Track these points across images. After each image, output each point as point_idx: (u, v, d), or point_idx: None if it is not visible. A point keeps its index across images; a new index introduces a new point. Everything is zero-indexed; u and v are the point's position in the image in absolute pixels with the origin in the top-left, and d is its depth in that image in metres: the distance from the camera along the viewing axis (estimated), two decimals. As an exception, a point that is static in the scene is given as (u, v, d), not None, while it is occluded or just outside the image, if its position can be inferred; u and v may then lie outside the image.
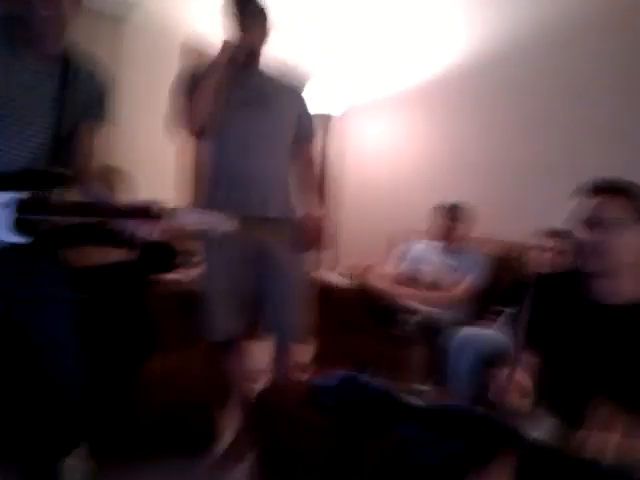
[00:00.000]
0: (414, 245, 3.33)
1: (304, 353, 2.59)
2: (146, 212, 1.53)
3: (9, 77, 1.54)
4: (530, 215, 3.42)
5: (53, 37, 1.58)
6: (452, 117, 3.82)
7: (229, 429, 2.38)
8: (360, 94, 4.03)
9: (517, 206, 3.52)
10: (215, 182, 2.18)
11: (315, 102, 3.72)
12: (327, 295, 3.07)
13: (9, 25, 1.55)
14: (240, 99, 2.16)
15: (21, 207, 1.52)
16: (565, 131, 3.44)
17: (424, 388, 1.91)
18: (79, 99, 1.66)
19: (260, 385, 2.18)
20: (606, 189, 1.43)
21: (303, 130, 2.33)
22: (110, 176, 2.63)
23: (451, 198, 3.23)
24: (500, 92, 3.63)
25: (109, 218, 1.59)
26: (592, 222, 1.41)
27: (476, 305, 3.02)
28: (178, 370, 2.35)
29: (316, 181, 2.45)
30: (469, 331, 2.43)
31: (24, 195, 1.53)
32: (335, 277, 3.19)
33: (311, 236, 2.26)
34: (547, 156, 3.48)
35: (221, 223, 1.57)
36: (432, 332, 2.65)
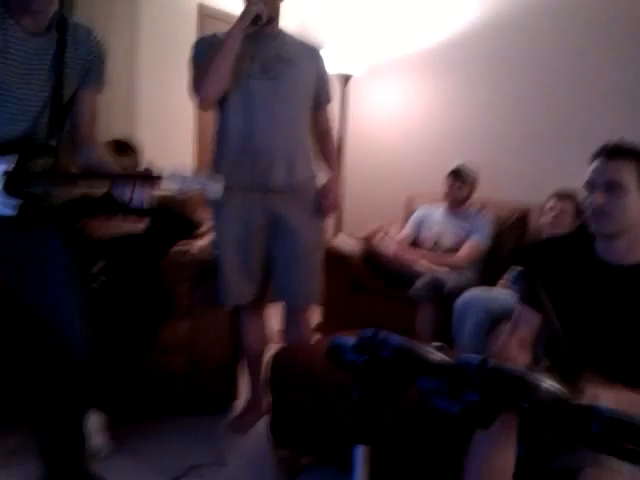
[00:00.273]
0: (421, 209, 3.37)
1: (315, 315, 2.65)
2: (139, 177, 1.56)
3: (9, 45, 1.55)
4: (538, 177, 3.49)
5: (44, 4, 1.58)
6: (462, 80, 3.84)
7: (248, 390, 2.47)
8: (374, 56, 4.02)
9: (525, 168, 3.58)
10: (239, 151, 2.17)
11: (335, 62, 3.73)
12: (338, 258, 3.14)
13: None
14: (260, 65, 2.15)
15: (8, 179, 1.54)
16: (575, 94, 3.46)
17: (439, 344, 1.97)
18: (77, 65, 1.68)
19: (274, 348, 2.25)
20: (615, 153, 1.46)
21: (322, 93, 2.34)
22: (134, 149, 2.69)
23: (460, 160, 3.26)
24: (511, 56, 3.65)
25: (100, 183, 1.64)
26: (601, 185, 1.45)
27: (482, 266, 3.08)
28: (198, 334, 2.42)
29: (335, 145, 2.46)
30: (473, 292, 2.49)
31: (10, 167, 1.54)
32: (345, 240, 3.23)
33: (330, 203, 2.32)
34: (556, 119, 3.52)
35: (209, 187, 1.56)
36: (439, 294, 2.71)
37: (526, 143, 3.62)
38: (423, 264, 2.94)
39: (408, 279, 2.89)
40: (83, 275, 1.86)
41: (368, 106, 4.18)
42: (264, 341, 2.45)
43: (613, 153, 1.46)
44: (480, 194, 3.28)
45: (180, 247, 2.57)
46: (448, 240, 3.14)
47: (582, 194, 1.53)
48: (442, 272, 2.85)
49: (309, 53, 2.30)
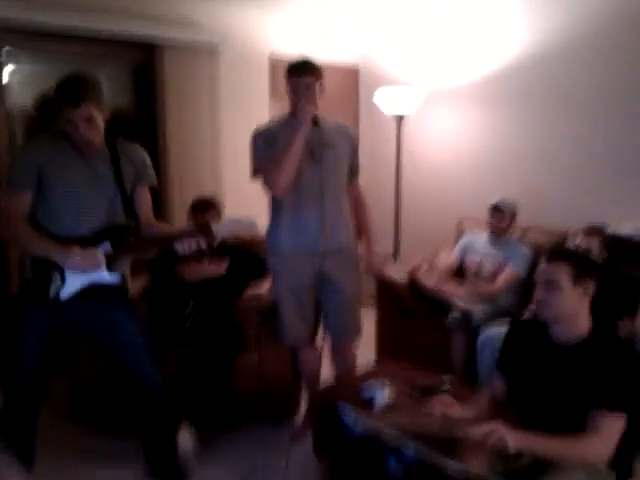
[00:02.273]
0: (468, 236, 3.75)
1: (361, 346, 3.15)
2: (191, 233, 2.19)
3: (79, 168, 2.20)
4: (578, 204, 3.77)
5: (95, 143, 2.20)
6: (508, 111, 4.12)
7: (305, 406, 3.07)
8: (425, 94, 4.39)
9: (566, 195, 3.85)
10: (290, 223, 2.69)
11: (390, 105, 4.19)
12: (388, 289, 3.64)
13: (65, 137, 2.19)
14: (308, 151, 2.63)
15: (110, 255, 2.21)
16: (617, 125, 3.64)
17: (446, 387, 2.42)
18: (128, 172, 2.31)
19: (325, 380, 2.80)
20: (555, 256, 1.86)
21: (354, 166, 2.84)
22: (214, 205, 3.23)
23: (506, 190, 3.60)
24: (558, 87, 3.85)
25: (170, 244, 2.22)
26: (542, 283, 1.86)
27: (520, 293, 3.38)
28: (265, 363, 3.03)
29: (369, 212, 2.95)
30: (493, 330, 2.88)
31: (110, 246, 2.21)
32: (396, 272, 3.70)
33: (369, 266, 2.88)
34: (598, 149, 3.73)
35: (248, 228, 2.22)
36: (468, 326, 3.12)
37: (568, 172, 3.86)
38: (456, 298, 3.34)
39: (447, 308, 3.32)
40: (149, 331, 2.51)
41: (420, 141, 4.59)
42: (318, 368, 3.01)
43: (552, 256, 1.86)
44: (523, 220, 3.59)
45: (251, 288, 3.16)
46: (489, 267, 3.49)
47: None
48: (473, 305, 3.23)
49: (343, 133, 2.79)
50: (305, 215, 2.68)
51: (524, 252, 3.45)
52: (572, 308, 1.83)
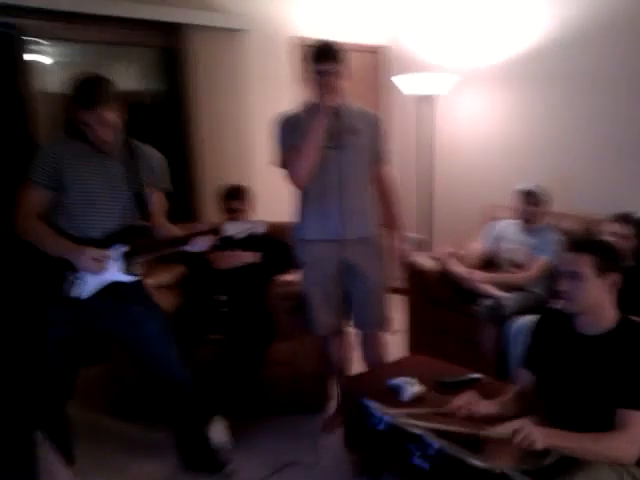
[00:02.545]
0: (498, 224, 3.71)
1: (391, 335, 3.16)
2: (203, 232, 2.29)
3: (96, 171, 2.27)
4: (610, 190, 3.69)
5: (111, 143, 2.27)
6: (539, 94, 4.03)
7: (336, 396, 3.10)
8: (457, 73, 4.32)
9: (598, 181, 3.76)
10: (315, 211, 2.70)
11: (423, 85, 4.15)
12: (418, 277, 3.63)
13: (81, 137, 2.25)
14: (330, 136, 2.61)
15: (126, 255, 2.30)
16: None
17: (476, 376, 2.42)
18: (144, 174, 2.37)
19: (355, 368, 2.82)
20: (578, 246, 1.83)
21: (382, 152, 2.81)
22: (246, 192, 3.29)
23: (534, 175, 3.55)
24: (590, 70, 3.74)
25: (182, 244, 2.33)
26: (565, 273, 1.83)
27: (550, 282, 3.31)
28: (297, 353, 3.07)
29: (395, 198, 2.91)
30: (524, 319, 2.85)
31: (125, 247, 2.30)
32: (426, 260, 3.68)
33: (399, 254, 2.90)
34: (631, 133, 3.63)
35: (257, 227, 2.36)
36: (498, 316, 3.10)
37: (600, 158, 3.77)
38: (485, 287, 3.31)
39: (477, 297, 3.31)
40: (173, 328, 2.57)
41: (449, 124, 4.53)
42: (347, 358, 3.04)
43: (575, 246, 1.83)
44: (555, 206, 3.53)
45: (281, 276, 3.19)
46: (520, 256, 3.46)
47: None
48: (503, 295, 3.20)
49: (368, 120, 2.75)
50: (327, 203, 2.68)
51: (556, 239, 3.39)
52: (596, 299, 1.81)
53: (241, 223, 2.41)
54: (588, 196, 3.75)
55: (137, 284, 2.40)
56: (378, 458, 1.94)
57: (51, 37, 3.56)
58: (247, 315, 3.09)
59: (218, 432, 2.69)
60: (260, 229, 2.37)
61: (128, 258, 2.31)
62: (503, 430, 1.67)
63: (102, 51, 3.85)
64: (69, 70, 3.70)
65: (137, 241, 2.33)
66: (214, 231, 2.32)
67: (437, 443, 1.57)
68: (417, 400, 2.26)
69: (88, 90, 2.18)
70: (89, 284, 2.27)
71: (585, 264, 1.79)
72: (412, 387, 2.29)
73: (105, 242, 2.27)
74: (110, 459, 2.78)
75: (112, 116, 2.21)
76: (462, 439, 1.64)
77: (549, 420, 1.82)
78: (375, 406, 1.78)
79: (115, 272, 2.29)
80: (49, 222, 2.25)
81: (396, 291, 3.42)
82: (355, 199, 2.71)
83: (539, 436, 1.63)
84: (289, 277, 3.14)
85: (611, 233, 2.96)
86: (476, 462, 1.52)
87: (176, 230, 2.45)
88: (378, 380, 2.46)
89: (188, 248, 2.31)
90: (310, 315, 2.85)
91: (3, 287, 2.38)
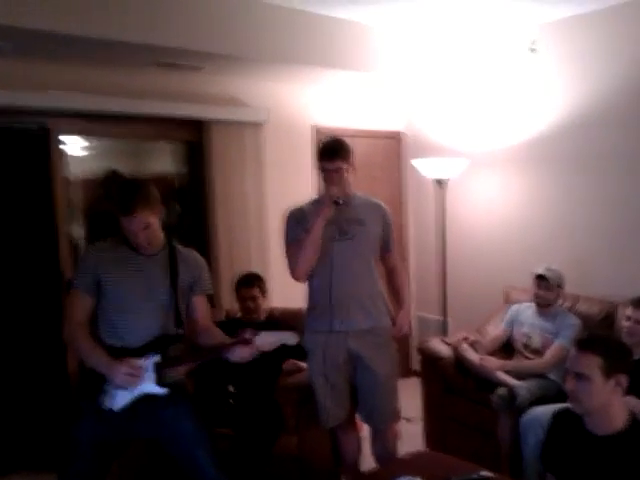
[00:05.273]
0: (515, 307, 3.64)
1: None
2: (239, 343, 2.20)
3: (133, 272, 2.24)
4: (627, 273, 3.62)
5: (153, 248, 2.27)
6: (551, 177, 4.04)
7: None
8: (467, 158, 4.35)
9: (615, 265, 3.71)
10: (322, 302, 2.70)
11: (433, 170, 4.23)
12: (433, 363, 3.56)
13: (126, 241, 2.25)
14: (338, 228, 2.67)
15: (159, 367, 2.22)
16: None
17: (486, 474, 2.31)
18: (185, 279, 2.33)
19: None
20: (586, 346, 1.80)
21: (389, 240, 2.83)
22: (260, 280, 3.33)
23: (552, 257, 3.54)
24: (604, 152, 3.75)
25: (217, 355, 2.26)
26: (572, 373, 1.79)
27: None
28: (305, 446, 2.98)
29: (405, 279, 2.94)
30: (538, 410, 2.74)
31: (158, 357, 2.22)
32: (441, 346, 3.62)
33: (402, 334, 2.85)
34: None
35: (289, 339, 2.25)
36: (513, 405, 2.99)
37: (616, 240, 3.72)
38: (499, 375, 3.21)
39: (493, 385, 3.20)
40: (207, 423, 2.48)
41: (463, 206, 4.57)
42: (358, 451, 2.95)
43: (583, 345, 1.80)
44: (570, 289, 3.46)
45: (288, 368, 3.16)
46: (536, 340, 3.37)
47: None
48: (517, 384, 3.09)
49: (375, 209, 2.80)
50: (334, 294, 2.68)
51: (573, 323, 3.32)
52: (603, 401, 1.77)
53: (273, 335, 2.29)
54: (605, 278, 3.69)
55: (175, 389, 2.30)
56: None
57: (85, 134, 3.85)
58: (254, 408, 3.03)
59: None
60: (291, 341, 2.28)
61: (160, 369, 2.23)
62: None
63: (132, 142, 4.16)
64: (103, 160, 4.07)
65: (170, 351, 2.27)
66: (245, 341, 2.22)
67: None
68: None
69: (127, 196, 2.17)
70: (122, 397, 2.20)
71: (592, 365, 1.76)
72: None
73: (140, 350, 2.22)
74: None
75: (153, 219, 2.21)
76: None
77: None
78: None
79: (148, 384, 2.21)
80: (92, 328, 2.24)
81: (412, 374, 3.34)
82: (363, 290, 2.72)
83: None
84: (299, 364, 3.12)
85: (626, 317, 2.92)
86: None
87: (221, 335, 2.37)
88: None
89: (230, 357, 2.22)
90: (317, 406, 2.79)
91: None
